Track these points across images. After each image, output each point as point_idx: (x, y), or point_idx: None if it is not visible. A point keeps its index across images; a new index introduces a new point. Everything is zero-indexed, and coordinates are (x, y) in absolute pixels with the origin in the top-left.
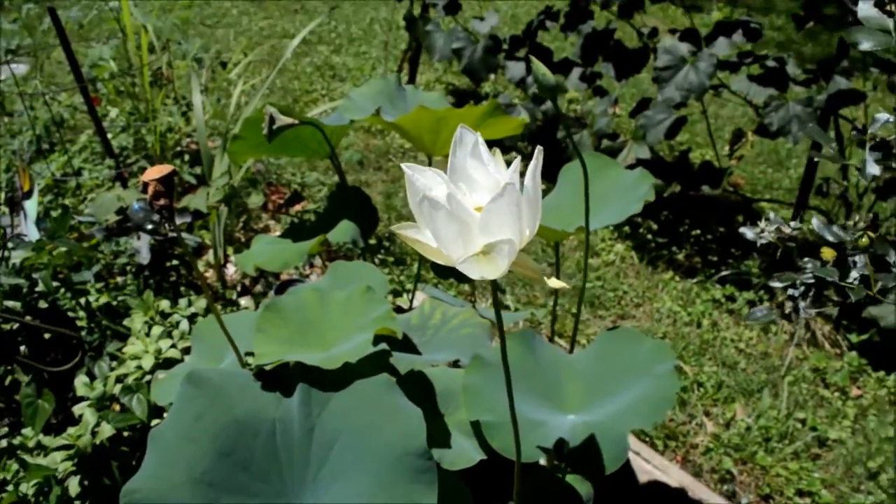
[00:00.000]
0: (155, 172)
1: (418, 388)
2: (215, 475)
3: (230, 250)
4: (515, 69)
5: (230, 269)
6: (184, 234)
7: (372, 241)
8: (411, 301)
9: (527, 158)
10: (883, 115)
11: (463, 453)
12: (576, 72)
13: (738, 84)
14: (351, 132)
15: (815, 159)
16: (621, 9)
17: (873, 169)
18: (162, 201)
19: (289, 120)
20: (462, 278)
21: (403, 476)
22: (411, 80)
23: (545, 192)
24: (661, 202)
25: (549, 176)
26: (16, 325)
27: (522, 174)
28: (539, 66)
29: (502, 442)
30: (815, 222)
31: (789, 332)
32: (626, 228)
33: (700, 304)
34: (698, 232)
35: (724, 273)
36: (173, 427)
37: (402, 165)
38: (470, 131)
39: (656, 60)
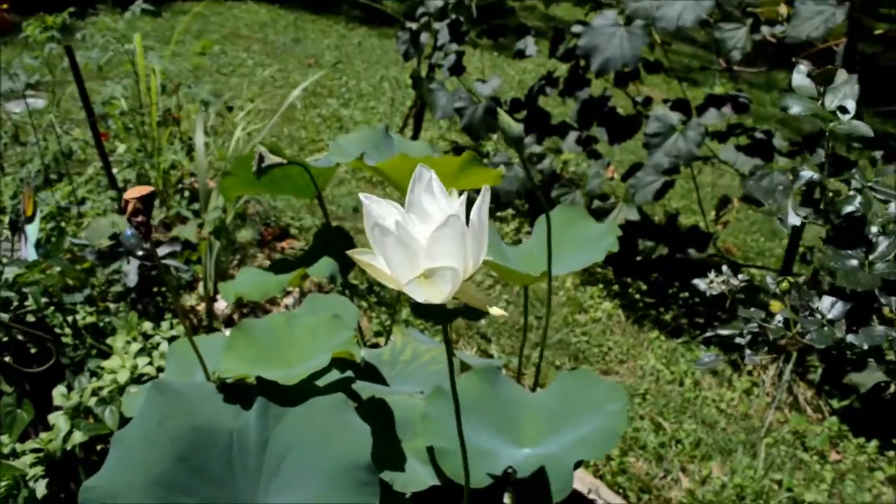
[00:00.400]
0: (136, 192)
1: (378, 414)
2: (171, 478)
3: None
4: (514, 129)
5: (221, 304)
6: (172, 262)
7: (362, 285)
8: (386, 340)
9: (521, 215)
10: (807, 172)
11: (416, 478)
12: (572, 135)
13: (726, 153)
14: (352, 181)
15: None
16: (616, 78)
17: (794, 220)
18: (140, 218)
19: (277, 159)
20: (440, 320)
21: (347, 488)
22: (415, 136)
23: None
24: (651, 264)
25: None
26: (5, 338)
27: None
28: (504, 118)
29: (454, 468)
30: (768, 279)
31: (771, 395)
32: (616, 287)
33: (684, 363)
34: (686, 294)
35: (708, 335)
36: (136, 431)
37: (361, 196)
38: (427, 170)
39: (647, 127)
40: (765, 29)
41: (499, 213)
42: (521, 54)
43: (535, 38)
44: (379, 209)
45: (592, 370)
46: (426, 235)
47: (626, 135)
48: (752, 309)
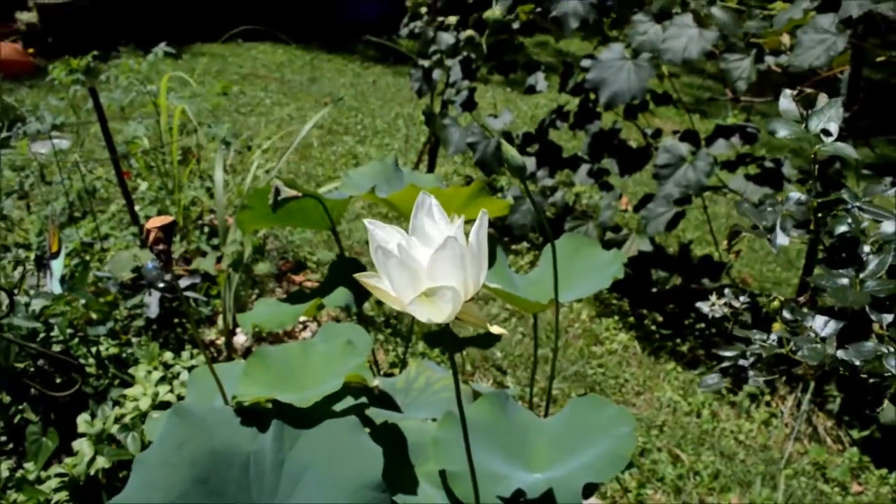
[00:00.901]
0: (157, 221)
1: (391, 438)
2: (190, 499)
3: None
4: (527, 163)
5: (240, 338)
6: (192, 294)
7: (379, 318)
8: (401, 371)
9: (536, 248)
10: (795, 194)
11: (428, 501)
12: (584, 167)
13: (736, 183)
14: (368, 215)
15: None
16: (626, 110)
17: (783, 240)
18: (161, 246)
19: (292, 192)
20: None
21: None
22: (430, 171)
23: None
24: (666, 295)
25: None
26: (31, 368)
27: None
28: (507, 148)
29: (465, 490)
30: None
31: (790, 426)
32: (631, 319)
33: (701, 395)
34: (702, 326)
35: (724, 365)
36: (156, 453)
37: (365, 221)
38: (428, 196)
39: (657, 158)
40: (769, 59)
41: (514, 247)
42: (531, 90)
43: (545, 74)
44: (383, 234)
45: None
46: (427, 257)
47: (636, 166)
48: (754, 330)
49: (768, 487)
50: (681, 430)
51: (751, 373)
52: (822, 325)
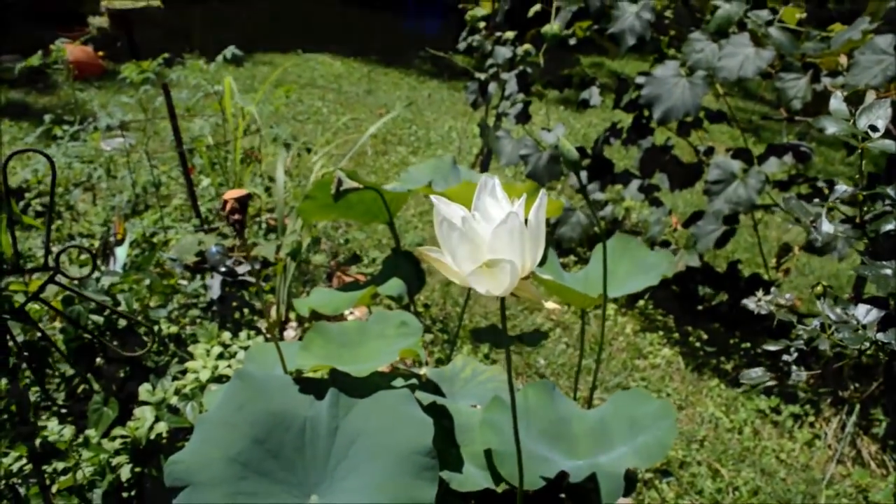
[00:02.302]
0: (234, 193)
1: (438, 418)
2: (248, 457)
3: (292, 315)
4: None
5: (290, 332)
6: (250, 280)
7: (428, 321)
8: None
9: (583, 262)
10: (841, 186)
11: (471, 479)
12: (634, 183)
13: (788, 203)
14: (419, 224)
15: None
16: (679, 127)
17: (828, 227)
18: (236, 216)
19: (354, 184)
20: (498, 342)
21: (409, 471)
22: None
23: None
24: (712, 313)
25: None
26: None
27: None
28: (564, 143)
29: (510, 469)
30: (819, 302)
31: (833, 448)
32: (676, 335)
33: (744, 412)
34: (748, 345)
35: (769, 383)
36: (218, 414)
37: (432, 197)
38: (491, 178)
39: (708, 174)
40: (825, 80)
41: (561, 260)
42: (584, 104)
43: (599, 90)
44: (447, 209)
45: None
46: (489, 232)
47: (687, 182)
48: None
49: None
50: (721, 445)
51: (794, 367)
52: (864, 313)
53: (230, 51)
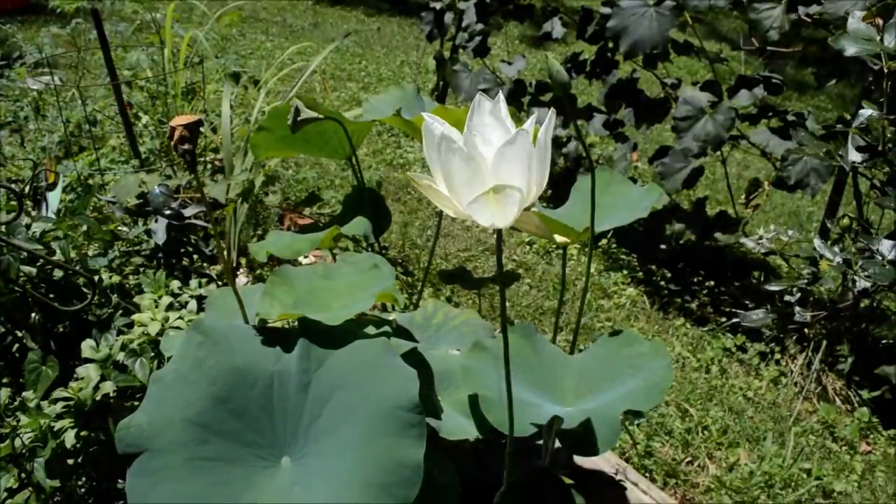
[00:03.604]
0: (182, 120)
1: (416, 367)
2: (209, 418)
3: (242, 260)
4: (540, 113)
5: (241, 280)
6: (200, 223)
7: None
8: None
9: (547, 201)
10: (866, 111)
11: (459, 428)
12: (598, 118)
13: (757, 136)
14: (373, 163)
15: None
16: (645, 60)
17: (854, 156)
18: (186, 146)
19: (313, 114)
20: (470, 286)
21: (393, 429)
22: None
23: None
24: (677, 252)
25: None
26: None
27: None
28: (554, 64)
29: (498, 416)
30: (817, 241)
31: (800, 385)
32: (640, 274)
33: (710, 351)
34: (712, 283)
35: (736, 320)
36: (174, 370)
37: (424, 115)
38: (488, 99)
39: (676, 110)
40: (800, 9)
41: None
42: (547, 36)
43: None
44: (443, 128)
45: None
46: (492, 153)
47: (654, 118)
48: (803, 266)
49: (777, 444)
50: (689, 385)
51: (797, 308)
52: (889, 247)
53: None
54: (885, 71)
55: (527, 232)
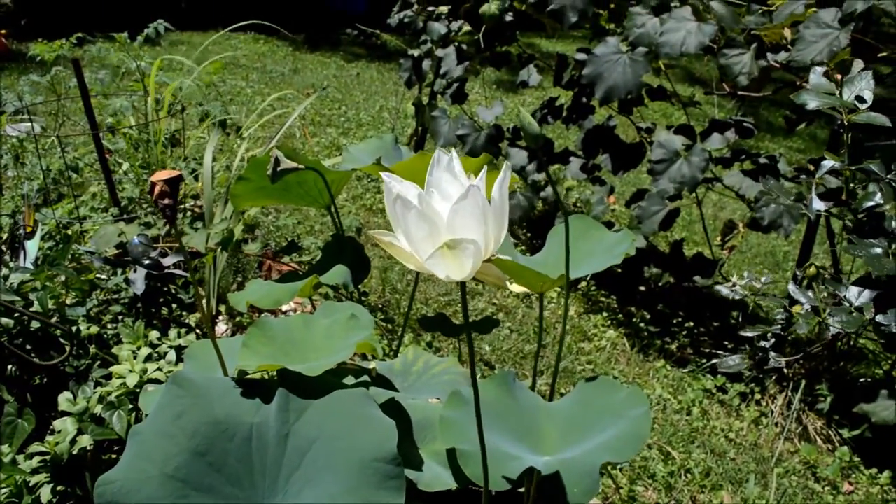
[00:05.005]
0: (163, 175)
1: (395, 417)
2: (188, 472)
3: (222, 308)
4: (517, 157)
5: (221, 327)
6: (179, 273)
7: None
8: (395, 354)
9: (524, 244)
10: (828, 162)
11: (438, 479)
12: (575, 162)
13: (731, 178)
14: (353, 209)
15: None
16: (620, 105)
17: (818, 205)
18: (166, 200)
19: (293, 163)
20: (449, 332)
21: (372, 481)
22: None
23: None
24: (656, 293)
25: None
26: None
27: None
28: (525, 116)
29: (475, 469)
30: (791, 286)
31: (780, 425)
32: (620, 316)
33: (691, 392)
34: (692, 324)
35: (715, 361)
36: (153, 424)
37: (383, 174)
38: (445, 153)
39: (651, 154)
40: (770, 56)
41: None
42: (524, 84)
43: (536, 70)
44: (400, 186)
45: (619, 384)
46: (447, 209)
47: (630, 162)
48: (778, 309)
49: (759, 485)
50: (671, 427)
51: (772, 354)
52: (856, 294)
53: (160, 24)
54: (845, 123)
55: (488, 283)
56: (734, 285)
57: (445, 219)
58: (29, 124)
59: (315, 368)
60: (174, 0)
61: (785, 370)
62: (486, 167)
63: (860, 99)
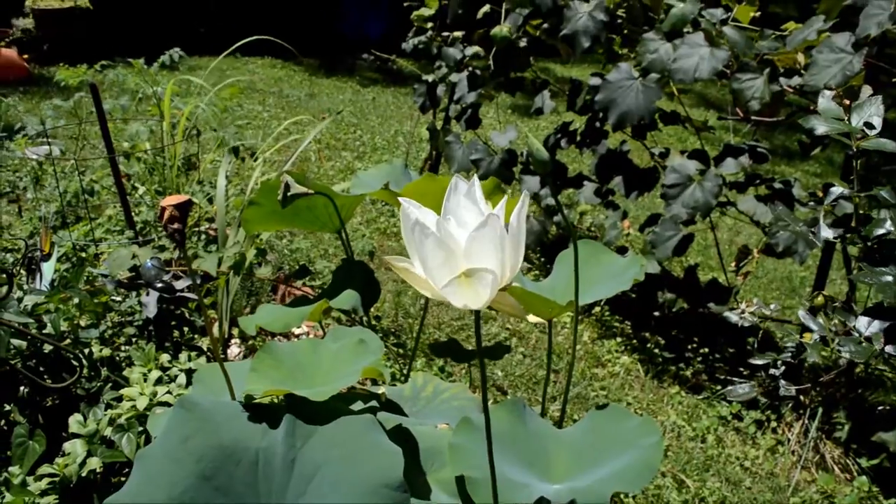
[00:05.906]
0: (172, 200)
1: (403, 443)
2: (194, 496)
3: (235, 331)
4: (531, 182)
5: (233, 350)
6: (191, 296)
7: (380, 335)
8: (405, 379)
9: (537, 269)
10: (837, 189)
11: None
12: (589, 187)
13: (745, 204)
14: (366, 233)
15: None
16: (634, 130)
17: (826, 233)
18: (175, 225)
19: (303, 189)
20: (459, 358)
21: None
22: None
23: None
24: (670, 319)
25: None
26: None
27: None
28: (534, 143)
29: (484, 497)
30: (801, 313)
31: (797, 454)
32: (634, 342)
33: (706, 419)
34: (706, 350)
35: (730, 388)
36: (160, 447)
37: (400, 199)
38: (464, 181)
39: (665, 178)
40: (783, 80)
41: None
42: (538, 112)
43: (550, 95)
44: (418, 212)
45: (630, 413)
46: (464, 237)
47: (644, 187)
48: (787, 338)
49: None
50: (685, 455)
51: (782, 382)
52: (865, 324)
53: (175, 52)
54: (854, 150)
55: (503, 312)
56: (743, 312)
57: (463, 246)
58: (48, 147)
59: (321, 394)
60: (193, 26)
61: (801, 398)
62: (505, 197)
63: (869, 125)
